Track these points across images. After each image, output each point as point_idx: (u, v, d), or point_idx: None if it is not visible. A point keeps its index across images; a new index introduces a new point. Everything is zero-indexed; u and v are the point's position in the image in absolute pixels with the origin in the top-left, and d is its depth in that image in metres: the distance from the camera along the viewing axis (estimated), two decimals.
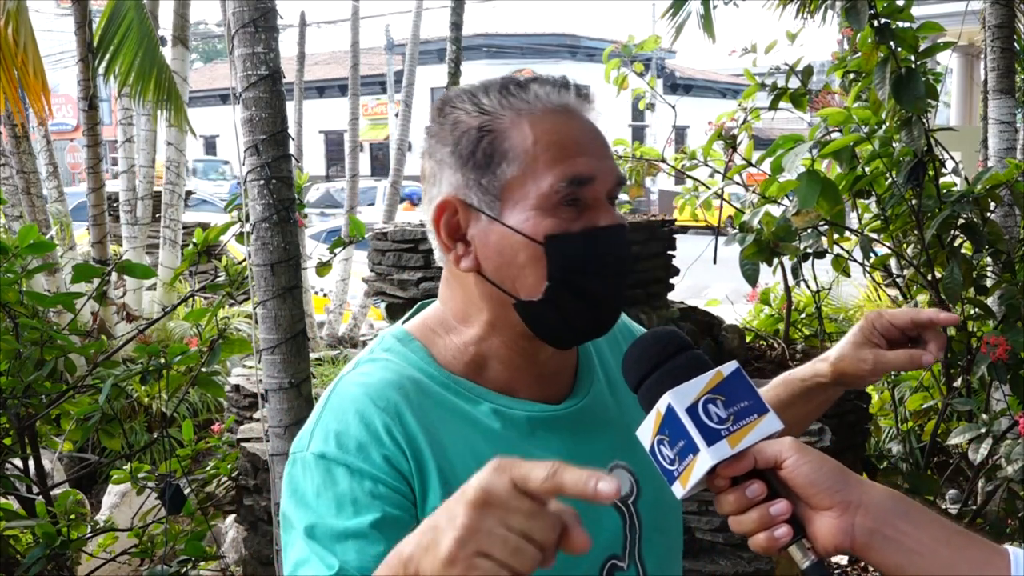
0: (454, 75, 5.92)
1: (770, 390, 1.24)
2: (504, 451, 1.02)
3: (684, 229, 3.42)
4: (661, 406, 0.86)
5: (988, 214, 3.06)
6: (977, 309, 3.15)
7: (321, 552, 0.94)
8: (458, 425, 1.03)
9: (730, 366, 0.88)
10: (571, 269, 1.00)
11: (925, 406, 4.00)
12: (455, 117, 1.04)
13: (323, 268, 3.32)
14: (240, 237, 2.79)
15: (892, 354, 1.11)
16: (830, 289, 5.18)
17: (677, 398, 0.85)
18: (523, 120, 1.01)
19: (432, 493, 0.98)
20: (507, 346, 1.06)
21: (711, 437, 0.84)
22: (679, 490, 0.86)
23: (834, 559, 3.91)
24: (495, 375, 1.07)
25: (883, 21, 2.90)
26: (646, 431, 0.88)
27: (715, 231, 3.75)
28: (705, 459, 0.84)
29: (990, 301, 3.16)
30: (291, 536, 0.98)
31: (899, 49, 2.89)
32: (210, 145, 34.08)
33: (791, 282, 4.29)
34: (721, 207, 3.98)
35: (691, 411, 0.85)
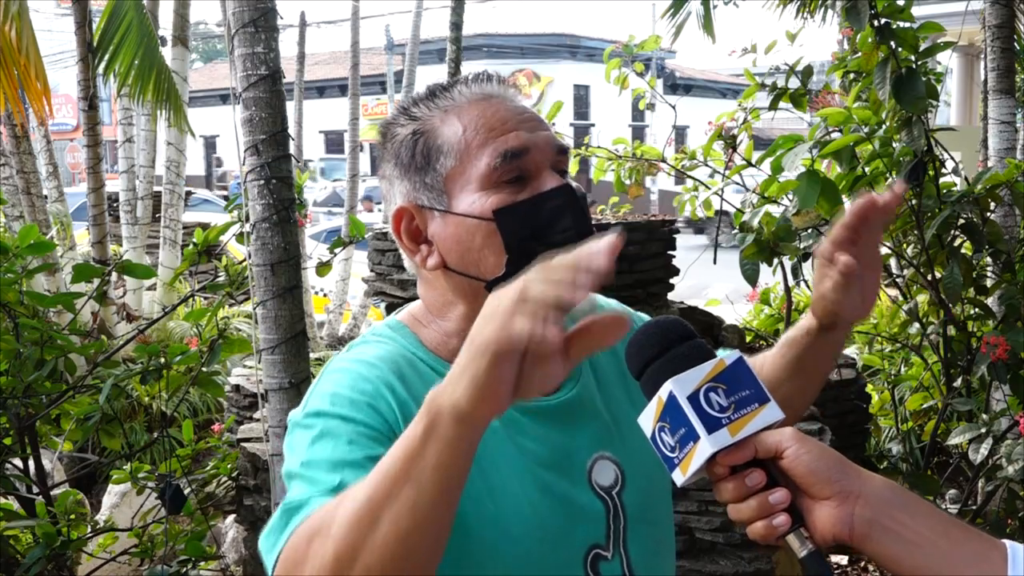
0: (454, 75, 5.92)
1: (776, 351, 1.23)
2: (491, 433, 1.04)
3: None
4: (663, 393, 0.87)
5: (988, 214, 3.06)
6: (977, 309, 3.15)
7: (319, 476, 0.95)
8: None
9: (732, 355, 0.88)
10: (525, 236, 1.03)
11: (925, 406, 4.00)
12: (392, 133, 1.11)
13: (323, 268, 3.32)
14: (240, 237, 2.79)
15: (841, 261, 1.06)
16: None
17: (679, 386, 0.86)
18: (451, 115, 1.08)
19: None
20: None
21: (712, 425, 0.84)
22: (679, 477, 0.87)
23: (834, 559, 3.91)
24: None
25: (883, 21, 2.89)
26: (648, 418, 0.88)
27: (715, 231, 3.76)
28: (705, 447, 0.84)
29: (990, 301, 3.16)
30: (290, 484, 0.99)
31: (899, 49, 2.89)
32: (210, 145, 34.09)
33: (791, 282, 4.30)
34: (721, 208, 3.98)
35: (692, 399, 0.85)
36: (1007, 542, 0.81)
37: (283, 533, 0.90)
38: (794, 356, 1.19)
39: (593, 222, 1.11)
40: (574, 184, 1.08)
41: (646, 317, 1.26)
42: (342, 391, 1.02)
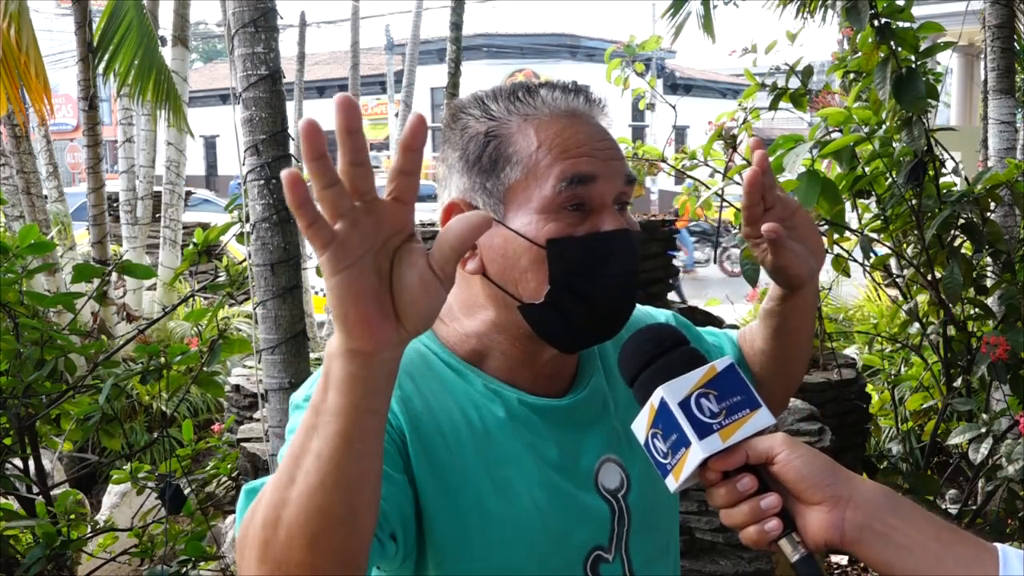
0: (454, 75, 5.92)
1: (760, 323, 1.26)
2: (495, 428, 1.04)
3: None
4: (655, 400, 0.87)
5: (988, 214, 3.06)
6: (977, 309, 3.15)
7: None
8: (455, 397, 1.05)
9: (723, 361, 0.89)
10: (573, 273, 1.01)
11: (925, 406, 4.00)
12: (464, 123, 1.06)
13: None
14: (240, 237, 2.79)
15: (765, 230, 1.10)
16: (830, 289, 5.19)
17: (670, 392, 0.86)
18: (529, 125, 1.03)
19: (421, 449, 1.00)
20: (510, 343, 1.08)
21: (703, 431, 0.85)
22: (672, 483, 0.87)
23: (834, 559, 3.91)
24: (496, 365, 1.09)
25: (884, 21, 2.89)
26: (640, 425, 0.89)
27: (716, 231, 3.75)
28: (697, 453, 0.85)
29: (990, 301, 3.16)
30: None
31: (900, 49, 2.89)
32: (210, 145, 34.08)
33: None
34: (721, 207, 3.98)
35: (684, 405, 0.86)
36: (999, 545, 0.81)
37: (242, 515, 0.85)
38: (777, 324, 1.22)
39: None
40: (631, 224, 1.06)
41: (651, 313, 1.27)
42: None
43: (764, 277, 3.58)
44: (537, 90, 1.06)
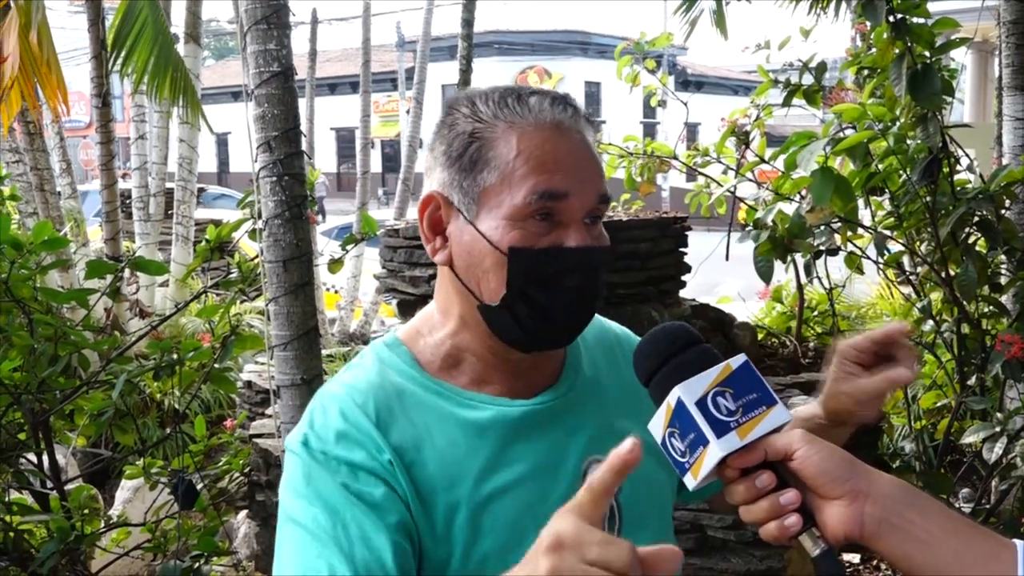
0: (466, 72, 5.92)
1: None
2: (482, 443, 1.06)
3: None
4: (671, 399, 0.88)
5: (1003, 211, 3.04)
6: (991, 307, 3.13)
7: (326, 540, 0.98)
8: (439, 422, 1.07)
9: (738, 359, 0.89)
10: (529, 282, 1.03)
11: (939, 404, 3.97)
12: (454, 119, 1.09)
13: (335, 265, 3.32)
14: (252, 233, 2.80)
15: (869, 380, 1.11)
16: (843, 287, 5.16)
17: (687, 391, 0.87)
18: (512, 132, 1.05)
19: (414, 482, 1.03)
20: (479, 341, 1.10)
21: (720, 429, 0.85)
22: (691, 481, 0.88)
23: (846, 556, 3.90)
24: (471, 368, 1.11)
25: (899, 16, 2.87)
26: (657, 424, 0.90)
27: (728, 228, 3.74)
28: (715, 451, 0.85)
29: (1004, 299, 3.14)
30: (291, 528, 1.02)
31: (915, 45, 2.87)
32: (222, 142, 34.20)
33: (803, 279, 4.27)
34: (733, 204, 3.97)
35: (700, 404, 0.86)
36: (1018, 542, 0.81)
37: None
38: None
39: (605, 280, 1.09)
40: (600, 240, 1.06)
41: (634, 337, 1.27)
42: (329, 422, 1.05)
43: (777, 274, 3.55)
44: (527, 98, 1.07)
